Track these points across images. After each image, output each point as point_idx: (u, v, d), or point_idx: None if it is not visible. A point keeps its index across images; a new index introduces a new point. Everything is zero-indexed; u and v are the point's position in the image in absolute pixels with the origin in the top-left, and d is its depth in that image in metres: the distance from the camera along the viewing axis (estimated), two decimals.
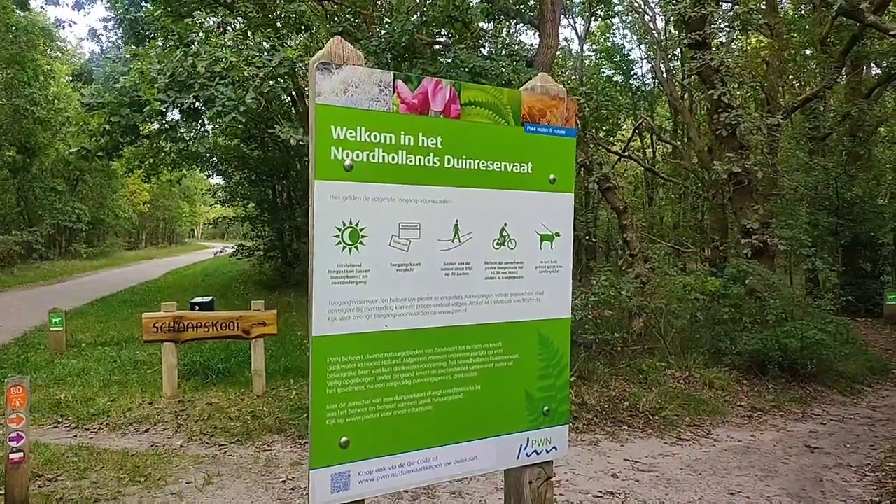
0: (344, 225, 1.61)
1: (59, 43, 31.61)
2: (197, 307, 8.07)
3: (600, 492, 5.09)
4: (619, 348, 9.41)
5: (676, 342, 9.64)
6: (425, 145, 1.73)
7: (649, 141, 28.84)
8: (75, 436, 6.14)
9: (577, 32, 26.38)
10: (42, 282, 22.71)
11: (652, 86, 28.89)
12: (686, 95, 22.92)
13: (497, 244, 1.86)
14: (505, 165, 1.86)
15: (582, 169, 12.08)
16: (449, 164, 1.77)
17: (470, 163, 1.80)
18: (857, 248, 15.32)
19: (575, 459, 5.84)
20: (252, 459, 5.54)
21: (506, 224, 1.88)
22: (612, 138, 24.78)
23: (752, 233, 10.37)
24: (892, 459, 5.82)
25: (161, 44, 7.77)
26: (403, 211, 1.70)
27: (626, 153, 20.98)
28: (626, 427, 6.87)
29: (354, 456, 1.64)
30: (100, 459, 5.33)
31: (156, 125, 10.11)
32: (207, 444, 5.96)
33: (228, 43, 6.46)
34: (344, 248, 1.61)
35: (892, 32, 8.88)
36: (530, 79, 1.95)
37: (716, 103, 10.93)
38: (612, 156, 23.09)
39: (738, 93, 11.18)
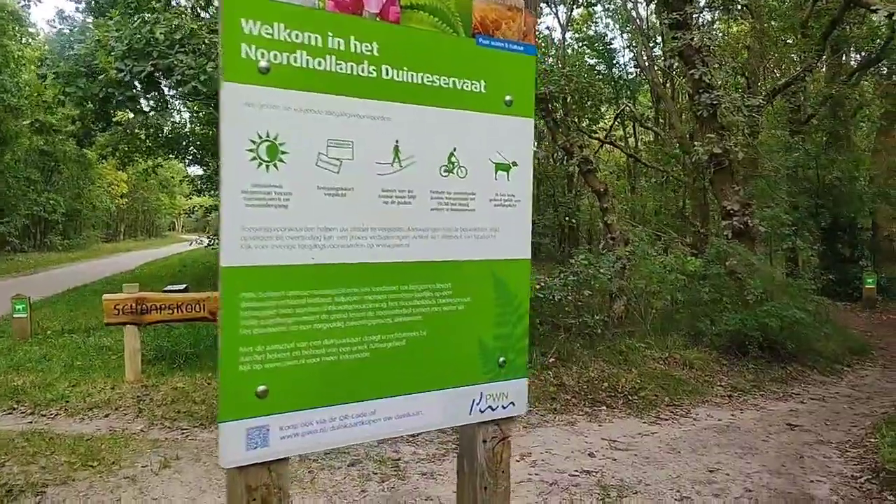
0: (260, 137, 1.38)
1: (29, 29, 30.74)
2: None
3: (577, 471, 4.92)
4: (599, 331, 9.27)
5: (657, 323, 9.52)
6: (359, 51, 1.50)
7: (632, 129, 28.82)
8: (30, 422, 5.84)
9: (559, 21, 26.07)
10: (15, 273, 22.10)
11: (634, 74, 28.85)
12: (668, 83, 22.84)
13: (444, 171, 1.64)
14: (454, 82, 1.64)
15: (563, 152, 11.90)
16: (387, 75, 1.54)
17: (412, 76, 1.58)
18: (837, 232, 15.34)
19: (552, 439, 5.67)
20: (215, 443, 5.29)
21: (455, 149, 1.66)
22: (595, 126, 24.73)
23: (732, 214, 10.27)
24: (873, 436, 5.71)
25: (119, 13, 7.42)
26: (332, 126, 1.47)
27: (609, 140, 20.89)
28: (605, 407, 6.71)
29: (274, 408, 1.42)
30: (52, 444, 5.05)
31: (130, 114, 9.75)
32: (169, 428, 5.70)
33: (188, 9, 6.15)
34: (260, 164, 1.38)
35: (872, 7, 8.76)
36: None
37: (696, 84, 10.78)
38: (594, 141, 23.03)
39: (720, 74, 11.02)
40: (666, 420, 6.44)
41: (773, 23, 16.74)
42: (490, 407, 1.74)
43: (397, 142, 1.56)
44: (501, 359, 1.75)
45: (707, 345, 8.69)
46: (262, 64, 1.37)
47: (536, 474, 4.85)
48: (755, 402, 7.19)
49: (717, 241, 9.51)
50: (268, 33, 1.37)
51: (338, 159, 1.48)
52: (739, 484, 4.61)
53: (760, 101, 12.02)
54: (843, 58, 17.42)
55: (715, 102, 10.36)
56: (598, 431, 5.96)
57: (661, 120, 26.27)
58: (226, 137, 1.34)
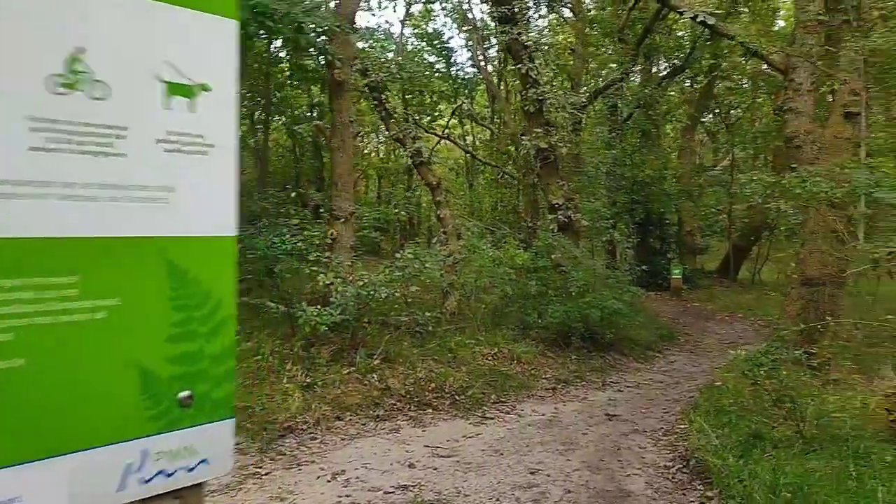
0: None
1: None
2: None
3: (393, 487, 4.41)
4: (430, 328, 8.94)
5: (488, 318, 9.40)
6: None
7: (470, 127, 29.38)
8: None
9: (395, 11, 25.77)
10: None
11: (472, 74, 29.43)
12: (502, 83, 23.47)
13: (58, 85, 0.97)
14: None
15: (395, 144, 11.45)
16: None
17: None
18: (649, 227, 16.60)
19: (370, 452, 5.12)
20: None
21: (83, 49, 0.99)
22: (434, 123, 24.76)
23: (558, 208, 10.49)
24: (682, 422, 5.89)
25: None
26: None
27: (446, 136, 20.98)
28: (431, 410, 6.32)
29: None
30: None
31: None
32: None
33: None
34: None
35: (679, 9, 9.34)
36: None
37: (524, 79, 10.88)
38: (431, 137, 23.01)
39: (546, 72, 11.23)
40: (491, 419, 6.19)
41: (593, 30, 17.79)
42: (163, 473, 1.09)
43: None
44: (184, 393, 1.12)
45: (535, 338, 8.70)
46: None
47: (348, 496, 4.26)
48: (577, 393, 7.23)
49: (544, 234, 9.61)
50: None
51: None
52: (560, 485, 4.39)
53: (583, 100, 12.48)
54: (654, 67, 18.93)
55: (541, 98, 10.50)
56: (422, 438, 5.52)
57: (496, 119, 27.08)
58: None
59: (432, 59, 28.65)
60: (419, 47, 29.31)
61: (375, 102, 11.67)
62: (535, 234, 11.73)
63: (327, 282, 6.89)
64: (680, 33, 17.41)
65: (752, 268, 18.37)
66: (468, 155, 21.43)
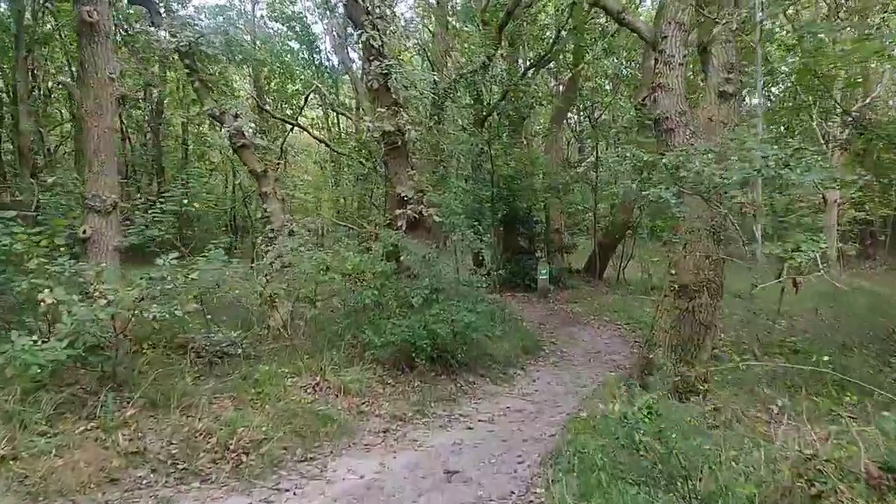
0: None
1: None
2: None
3: None
4: (240, 352, 7.01)
5: (320, 338, 7.59)
6: None
7: (335, 118, 27.36)
8: None
9: None
10: None
11: (335, 64, 27.36)
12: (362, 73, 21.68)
13: None
14: None
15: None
16: None
17: None
18: (515, 225, 15.55)
19: None
20: None
21: None
22: (298, 114, 22.54)
23: (406, 201, 8.90)
24: (540, 477, 4.48)
25: None
26: None
27: (296, 122, 18.87)
28: (198, 483, 4.44)
29: None
30: None
31: None
32: None
33: None
34: None
35: None
36: None
37: (367, 50, 9.17)
38: (285, 127, 20.76)
39: (392, 41, 9.57)
40: (287, 491, 4.43)
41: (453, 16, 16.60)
42: None
43: None
44: None
45: (372, 361, 7.04)
46: None
47: None
48: (415, 436, 5.66)
49: (386, 233, 7.98)
50: None
51: None
52: None
53: (439, 80, 10.99)
54: (519, 58, 17.99)
55: (385, 72, 8.85)
56: None
57: (361, 109, 25.21)
58: None
59: (295, 45, 26.50)
60: (282, 34, 27.06)
61: (187, 71, 9.50)
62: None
63: (54, 300, 4.76)
64: (544, 20, 16.58)
65: (617, 266, 18.00)
66: (322, 144, 19.36)
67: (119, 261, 6.10)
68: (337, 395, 6.27)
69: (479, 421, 6.12)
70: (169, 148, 24.54)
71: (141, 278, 5.03)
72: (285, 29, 26.66)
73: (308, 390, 6.28)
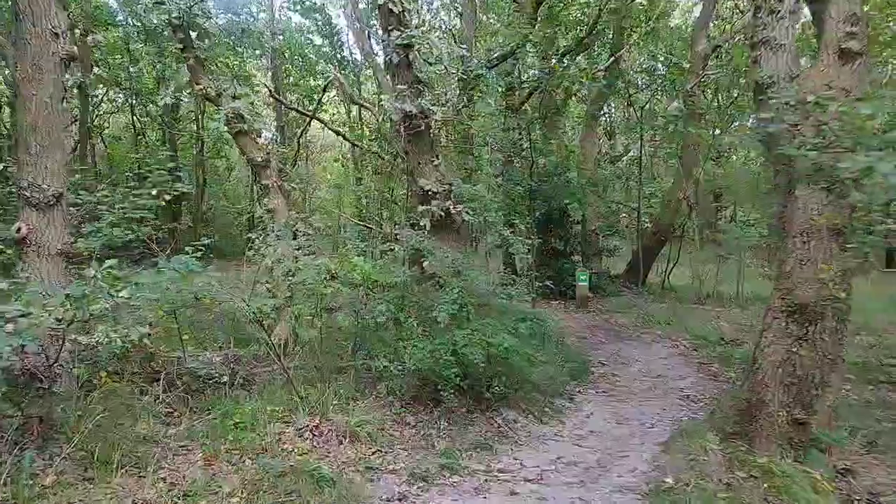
0: None
1: None
2: None
3: None
4: (224, 380, 5.68)
5: (323, 362, 6.22)
6: None
7: (357, 113, 26.17)
8: None
9: None
10: None
11: (360, 57, 26.21)
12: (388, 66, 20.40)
13: None
14: None
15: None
16: None
17: None
18: (550, 225, 14.02)
19: None
20: None
21: None
22: (316, 106, 21.36)
23: (432, 196, 7.50)
24: None
25: None
26: None
27: (313, 114, 17.66)
28: None
29: None
30: None
31: None
32: None
33: None
34: None
35: None
36: None
37: (386, 17, 7.78)
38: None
39: (414, 6, 8.18)
40: None
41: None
42: None
43: None
44: None
45: (386, 392, 5.65)
46: None
47: None
48: None
49: (407, 235, 6.59)
50: None
51: None
52: None
53: (472, 59, 9.55)
54: (555, 43, 16.47)
55: (406, 42, 7.45)
56: None
57: (381, 102, 23.94)
58: None
59: (318, 41, 25.66)
60: (302, 28, 26.20)
61: (181, 47, 8.25)
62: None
63: None
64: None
65: (661, 271, 16.35)
66: (341, 138, 18.08)
67: (65, 265, 4.77)
68: (341, 442, 4.89)
69: (526, 481, 4.67)
70: (184, 145, 23.55)
71: (68, 295, 3.68)
72: (307, 22, 25.64)
73: (304, 435, 4.92)
